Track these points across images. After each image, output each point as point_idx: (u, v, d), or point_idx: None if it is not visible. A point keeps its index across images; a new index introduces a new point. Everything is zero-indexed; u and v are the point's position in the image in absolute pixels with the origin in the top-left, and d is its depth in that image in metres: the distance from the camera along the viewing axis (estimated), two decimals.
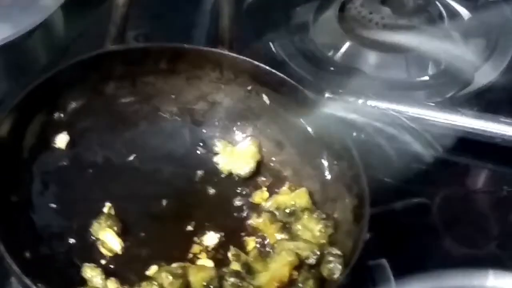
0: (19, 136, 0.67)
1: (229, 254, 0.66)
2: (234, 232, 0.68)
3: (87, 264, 0.64)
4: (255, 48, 0.82)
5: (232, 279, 0.63)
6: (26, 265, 0.59)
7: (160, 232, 0.68)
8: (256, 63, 0.72)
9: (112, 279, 0.63)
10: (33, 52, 0.88)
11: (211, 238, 0.68)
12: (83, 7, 0.90)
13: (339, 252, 0.65)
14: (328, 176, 0.70)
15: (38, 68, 0.84)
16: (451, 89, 0.85)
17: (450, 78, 0.85)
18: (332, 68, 0.86)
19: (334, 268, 0.64)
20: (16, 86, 0.81)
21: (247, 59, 0.72)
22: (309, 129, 0.71)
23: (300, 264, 0.65)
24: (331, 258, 0.65)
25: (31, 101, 0.67)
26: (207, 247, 0.67)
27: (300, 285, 0.64)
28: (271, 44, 0.88)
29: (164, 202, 0.70)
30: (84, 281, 0.63)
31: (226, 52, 0.72)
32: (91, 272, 0.63)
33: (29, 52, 0.87)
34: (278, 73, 0.72)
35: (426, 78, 0.87)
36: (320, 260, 0.65)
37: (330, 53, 0.89)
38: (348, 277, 0.62)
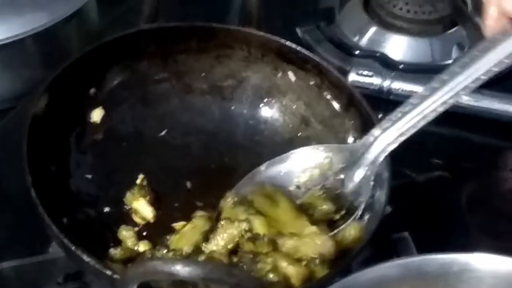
0: (56, 110, 0.69)
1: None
2: None
3: (124, 226, 0.67)
4: (281, 34, 0.83)
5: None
6: (64, 230, 0.61)
7: (190, 203, 0.70)
8: (283, 41, 0.74)
9: (145, 241, 0.66)
10: (68, 39, 0.90)
11: None
12: None
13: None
14: None
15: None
16: None
17: None
18: (357, 52, 0.88)
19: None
20: (51, 72, 0.83)
21: (274, 37, 0.74)
22: (334, 104, 0.74)
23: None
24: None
25: (67, 77, 0.70)
26: None
27: None
28: (297, 29, 0.90)
29: (193, 175, 0.72)
30: (118, 243, 0.66)
31: (254, 31, 0.75)
32: (126, 233, 0.66)
33: (65, 39, 0.89)
34: (303, 50, 0.74)
35: (450, 62, 0.88)
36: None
37: (356, 38, 0.90)
38: (371, 249, 0.64)
